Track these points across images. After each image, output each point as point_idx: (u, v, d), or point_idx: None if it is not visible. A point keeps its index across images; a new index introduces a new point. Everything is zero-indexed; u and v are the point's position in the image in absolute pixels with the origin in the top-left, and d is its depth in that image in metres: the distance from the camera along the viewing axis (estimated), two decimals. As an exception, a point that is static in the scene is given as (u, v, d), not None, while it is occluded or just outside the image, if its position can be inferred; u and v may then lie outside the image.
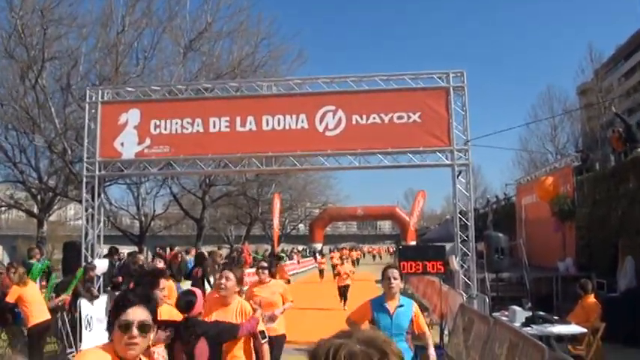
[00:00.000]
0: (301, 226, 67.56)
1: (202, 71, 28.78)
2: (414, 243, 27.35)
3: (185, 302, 5.12)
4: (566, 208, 18.98)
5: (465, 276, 12.79)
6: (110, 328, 3.07)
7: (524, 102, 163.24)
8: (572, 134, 55.78)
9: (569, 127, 55.09)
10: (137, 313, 3.02)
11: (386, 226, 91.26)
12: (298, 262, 47.80)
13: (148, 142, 13.65)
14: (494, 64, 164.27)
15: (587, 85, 59.22)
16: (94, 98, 14.20)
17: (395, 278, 6.10)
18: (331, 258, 38.95)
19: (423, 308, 18.90)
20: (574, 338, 10.13)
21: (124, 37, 25.29)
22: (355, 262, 40.17)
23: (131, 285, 10.21)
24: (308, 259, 52.89)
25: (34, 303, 9.78)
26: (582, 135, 55.23)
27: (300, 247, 59.06)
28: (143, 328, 3.01)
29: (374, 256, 72.45)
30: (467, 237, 12.94)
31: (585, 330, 9.94)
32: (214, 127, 13.45)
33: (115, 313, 3.08)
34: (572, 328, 10.06)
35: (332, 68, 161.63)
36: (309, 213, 64.71)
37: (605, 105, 52.03)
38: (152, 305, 3.16)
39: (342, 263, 25.37)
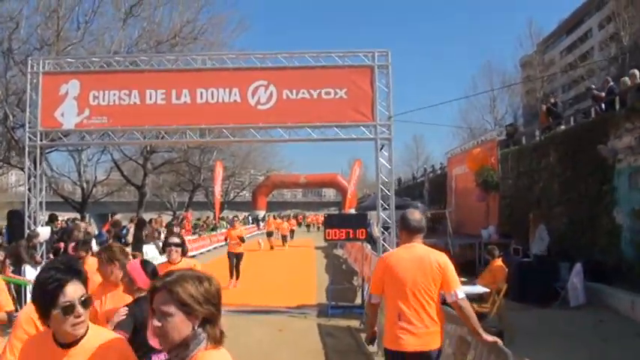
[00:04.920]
0: (246, 193, 67.65)
1: (143, 37, 28.61)
2: (352, 210, 28.10)
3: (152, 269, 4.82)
4: (489, 179, 19.99)
5: (387, 243, 13.62)
6: (43, 312, 2.83)
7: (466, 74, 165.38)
8: (511, 106, 57.26)
9: (507, 99, 56.51)
10: (76, 290, 2.85)
11: (330, 193, 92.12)
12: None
13: (87, 112, 13.97)
14: (439, 37, 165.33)
15: (528, 58, 60.64)
16: (35, 68, 14.40)
17: None
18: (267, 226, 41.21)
19: (353, 272, 19.98)
20: (481, 298, 11.10)
21: (65, 1, 25.16)
22: (288, 235, 40.33)
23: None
24: (250, 226, 53.34)
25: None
26: (522, 107, 56.77)
27: (242, 215, 59.43)
28: (85, 302, 2.88)
29: (308, 226, 68.62)
30: (388, 206, 13.78)
31: (488, 290, 10.94)
32: (151, 99, 13.85)
33: (46, 296, 2.82)
34: (477, 289, 11.08)
35: (274, 38, 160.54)
36: (253, 180, 64.86)
37: (543, 79, 53.61)
38: (83, 276, 2.96)
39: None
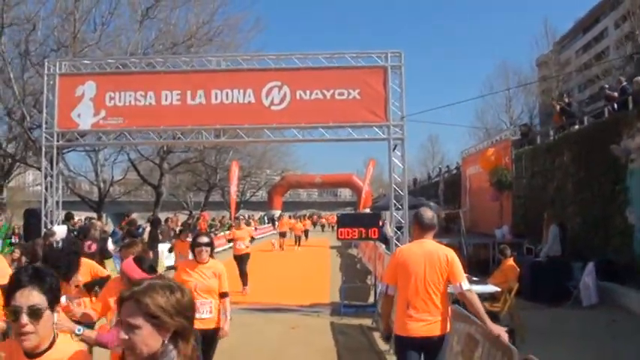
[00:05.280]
0: (262, 192, 67.83)
1: (159, 39, 29.00)
2: (367, 210, 28.19)
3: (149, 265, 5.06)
4: (503, 179, 20.01)
5: (400, 242, 13.70)
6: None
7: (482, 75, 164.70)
8: (527, 105, 57.01)
9: (523, 98, 56.27)
10: (28, 298, 2.65)
11: (346, 193, 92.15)
12: (255, 228, 48.51)
13: (103, 113, 14.20)
14: (452, 38, 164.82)
15: (545, 57, 60.35)
16: (52, 70, 14.65)
17: None
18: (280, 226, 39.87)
19: (367, 271, 20.07)
20: (492, 297, 11.16)
21: (82, 3, 25.48)
22: (302, 236, 39.11)
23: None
24: (266, 225, 53.50)
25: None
26: (538, 107, 56.52)
27: (258, 215, 59.44)
28: (34, 313, 2.63)
29: (322, 226, 67.81)
30: (401, 206, 13.88)
31: (499, 289, 10.99)
32: (166, 100, 14.07)
33: (6, 297, 2.76)
34: (488, 288, 11.13)
35: (289, 38, 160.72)
36: (269, 180, 64.96)
37: (559, 78, 53.37)
38: (49, 284, 2.75)
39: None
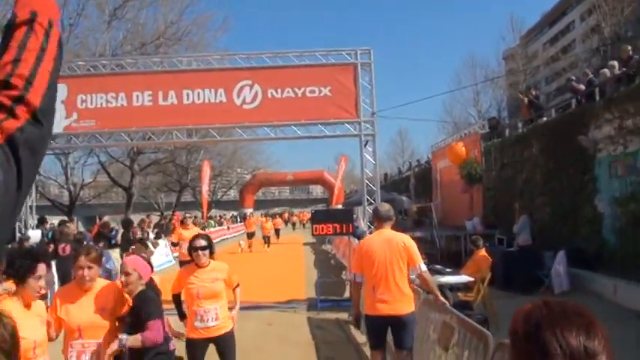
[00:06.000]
0: (234, 191, 67.58)
1: (127, 39, 28.78)
2: (339, 206, 28.30)
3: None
4: (473, 172, 20.30)
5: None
6: None
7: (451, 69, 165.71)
8: (495, 99, 57.59)
9: (491, 92, 56.84)
10: None
11: (318, 190, 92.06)
12: (228, 227, 48.30)
13: (75, 116, 14.11)
14: (420, 34, 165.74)
15: (512, 51, 61.07)
16: (21, 72, 14.56)
17: None
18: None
19: (342, 266, 20.21)
20: (466, 287, 11.36)
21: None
22: (271, 235, 35.71)
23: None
24: (239, 224, 53.24)
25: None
26: (506, 100, 57.16)
27: (230, 214, 59.12)
28: None
29: (293, 224, 66.69)
30: (374, 201, 14.04)
31: (472, 279, 11.20)
32: (138, 101, 14.03)
33: None
34: (462, 278, 11.34)
35: (256, 35, 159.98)
36: (240, 179, 64.66)
37: (526, 71, 54.07)
38: None
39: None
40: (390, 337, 6.55)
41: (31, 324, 3.90)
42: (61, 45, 1.44)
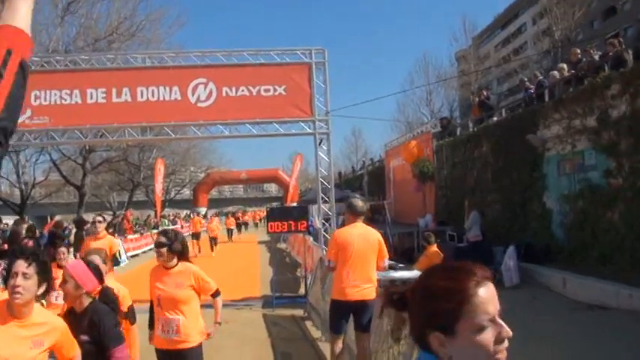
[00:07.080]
0: (187, 190, 67.12)
1: (81, 35, 28.41)
2: (294, 204, 28.41)
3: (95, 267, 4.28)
4: (425, 170, 20.63)
5: (328, 234, 13.98)
6: None
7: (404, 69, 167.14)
8: (447, 99, 58.46)
9: (443, 92, 57.66)
10: None
11: (272, 188, 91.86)
12: (182, 227, 47.89)
13: (28, 112, 13.82)
14: (373, 34, 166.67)
15: (464, 52, 62.07)
16: (-29, 68, 14.27)
17: None
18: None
19: (297, 264, 20.33)
20: (418, 282, 11.58)
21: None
22: (217, 238, 30.05)
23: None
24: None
25: None
26: (458, 100, 58.05)
27: (183, 213, 58.60)
28: None
29: (246, 224, 57.52)
30: (328, 199, 14.19)
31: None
32: (91, 98, 13.83)
33: None
34: (414, 273, 11.54)
35: (210, 34, 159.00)
36: (194, 177, 64.20)
37: (478, 72, 54.96)
38: None
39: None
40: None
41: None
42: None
